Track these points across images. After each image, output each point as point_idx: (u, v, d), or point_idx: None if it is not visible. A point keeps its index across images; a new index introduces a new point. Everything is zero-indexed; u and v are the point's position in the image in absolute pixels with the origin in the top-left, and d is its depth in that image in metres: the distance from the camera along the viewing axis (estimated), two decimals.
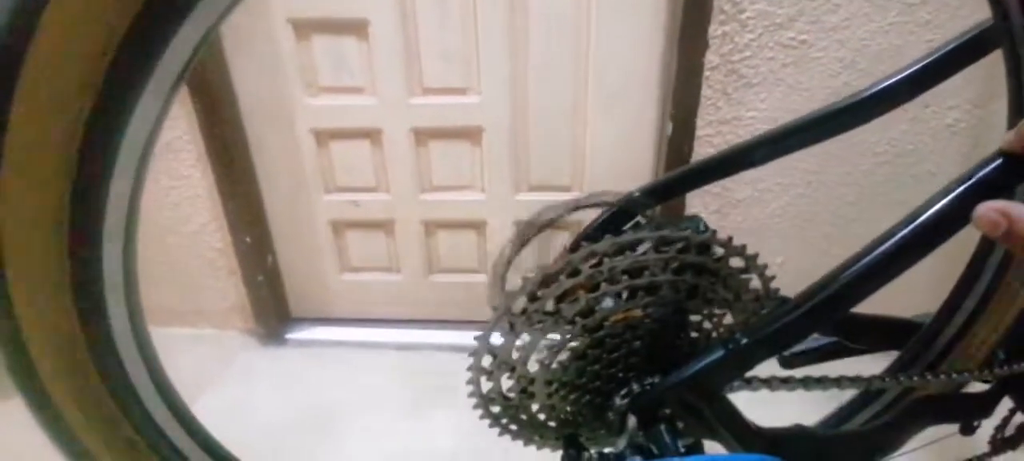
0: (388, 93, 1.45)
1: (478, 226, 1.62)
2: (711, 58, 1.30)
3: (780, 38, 1.28)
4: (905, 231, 0.46)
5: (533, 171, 1.53)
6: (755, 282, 0.50)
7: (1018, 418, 0.67)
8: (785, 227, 1.44)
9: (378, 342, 1.66)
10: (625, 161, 1.49)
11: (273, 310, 1.69)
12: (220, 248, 1.61)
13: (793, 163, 1.39)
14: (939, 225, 0.46)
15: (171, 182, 1.53)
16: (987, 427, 0.67)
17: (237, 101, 1.48)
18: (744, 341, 0.42)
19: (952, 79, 0.62)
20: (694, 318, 0.48)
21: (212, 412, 1.41)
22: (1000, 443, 0.68)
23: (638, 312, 0.45)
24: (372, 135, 1.52)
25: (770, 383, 0.47)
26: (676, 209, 1.41)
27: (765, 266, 0.50)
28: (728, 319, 0.50)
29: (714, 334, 0.48)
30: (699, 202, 1.44)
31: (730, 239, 0.47)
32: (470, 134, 1.50)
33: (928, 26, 1.24)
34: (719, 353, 0.42)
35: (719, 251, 0.47)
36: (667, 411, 0.43)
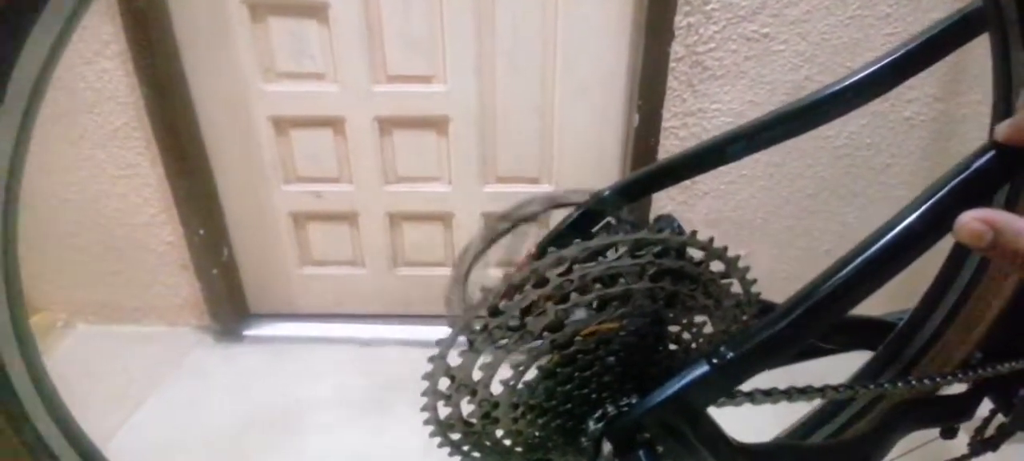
0: (350, 80, 1.36)
1: (444, 218, 1.54)
2: (677, 49, 1.26)
3: (743, 30, 1.24)
4: (900, 228, 0.41)
5: (500, 162, 1.47)
6: (736, 287, 0.45)
7: (998, 419, 0.64)
8: (748, 220, 1.41)
9: (341, 338, 1.57)
10: (593, 152, 1.43)
11: (229, 306, 1.58)
12: (171, 241, 1.49)
13: (755, 156, 1.36)
14: (935, 220, 0.41)
15: (118, 171, 1.41)
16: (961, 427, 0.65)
17: (188, 85, 1.36)
18: (730, 355, 0.36)
19: None
20: (672, 329, 0.43)
21: (163, 412, 1.33)
22: (979, 445, 0.65)
23: (613, 324, 0.39)
24: (334, 123, 1.42)
25: (753, 396, 0.42)
26: (641, 205, 1.37)
27: (747, 269, 0.45)
28: (708, 329, 0.45)
29: (693, 345, 0.43)
30: (665, 196, 1.40)
31: (711, 240, 0.42)
32: (436, 124, 1.42)
33: (888, 20, 1.22)
34: (704, 368, 0.37)
35: (699, 254, 0.42)
36: (646, 435, 0.38)
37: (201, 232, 1.47)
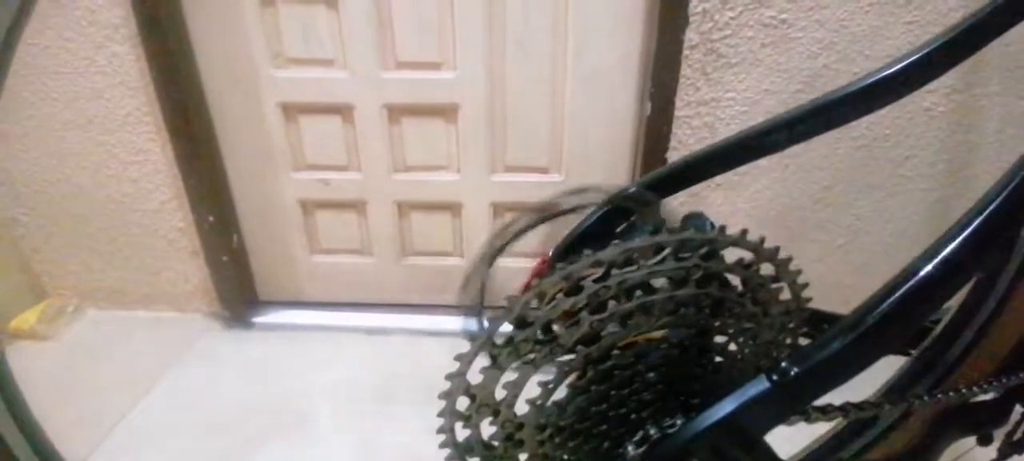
0: (360, 66, 1.29)
1: (453, 208, 1.48)
2: (691, 36, 1.19)
3: (760, 17, 1.17)
4: (971, 229, 0.36)
5: (510, 151, 1.40)
6: (785, 292, 0.39)
7: None
8: (761, 212, 1.35)
9: (349, 327, 1.52)
10: (604, 142, 1.37)
11: (238, 293, 1.53)
12: (181, 227, 1.44)
13: None
14: (1005, 220, 0.36)
15: (129, 157, 1.36)
16: None
17: (198, 71, 1.30)
18: (795, 371, 0.31)
19: None
20: (717, 340, 0.37)
21: (171, 398, 1.28)
22: (1008, 448, 0.60)
23: (655, 335, 0.33)
24: (343, 111, 1.36)
25: (808, 414, 0.37)
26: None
27: (798, 272, 0.39)
28: (753, 340, 0.39)
29: (740, 358, 0.37)
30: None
31: (762, 240, 0.36)
32: (445, 112, 1.35)
33: (907, 7, 1.15)
34: (763, 386, 0.31)
35: (748, 256, 0.36)
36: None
37: (211, 219, 1.42)
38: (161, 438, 1.18)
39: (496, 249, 0.41)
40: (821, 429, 0.49)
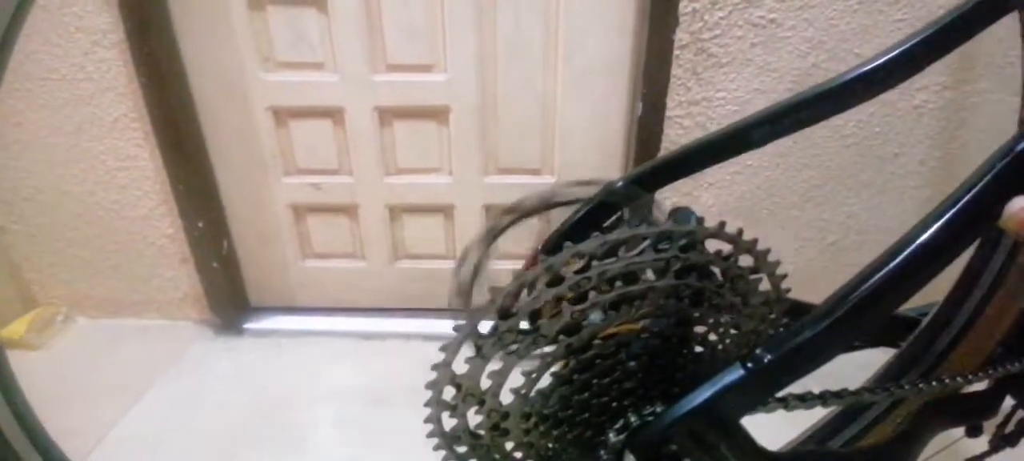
0: (350, 69, 1.31)
1: (445, 210, 1.50)
2: (681, 36, 1.21)
3: (749, 16, 1.19)
4: (946, 218, 0.37)
5: (501, 153, 1.42)
6: (764, 283, 0.40)
7: (1019, 415, 0.61)
8: (753, 210, 1.37)
9: (341, 331, 1.53)
10: (595, 142, 1.38)
11: (229, 299, 1.53)
12: (171, 234, 1.45)
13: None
14: (979, 209, 0.37)
15: (117, 163, 1.37)
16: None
17: (186, 75, 1.31)
18: (768, 358, 0.32)
19: None
20: (698, 329, 0.38)
21: (162, 405, 1.29)
22: (1000, 441, 0.61)
23: (634, 326, 0.35)
24: (334, 114, 1.37)
25: (787, 401, 0.38)
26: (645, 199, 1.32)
27: (777, 264, 0.40)
28: (733, 330, 0.40)
29: (721, 347, 0.39)
30: (669, 187, 1.35)
31: (740, 232, 0.37)
32: (436, 114, 1.37)
33: (896, 5, 1.17)
34: (739, 373, 0.33)
35: (726, 248, 0.38)
36: (673, 447, 0.33)
37: (200, 225, 1.42)
38: (152, 447, 1.18)
39: (488, 239, 0.42)
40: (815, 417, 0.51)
